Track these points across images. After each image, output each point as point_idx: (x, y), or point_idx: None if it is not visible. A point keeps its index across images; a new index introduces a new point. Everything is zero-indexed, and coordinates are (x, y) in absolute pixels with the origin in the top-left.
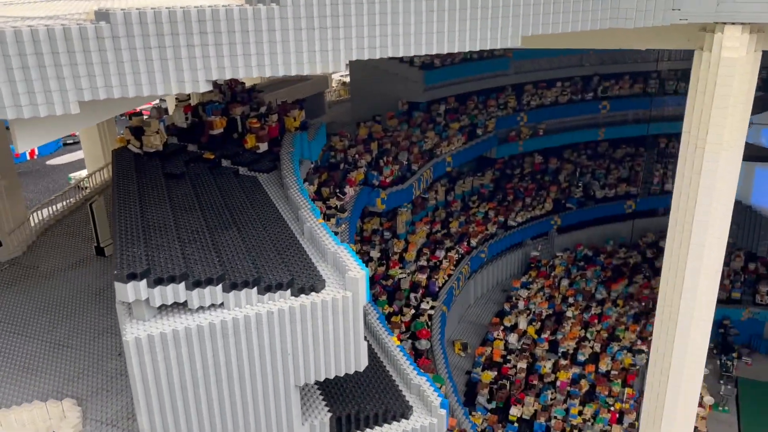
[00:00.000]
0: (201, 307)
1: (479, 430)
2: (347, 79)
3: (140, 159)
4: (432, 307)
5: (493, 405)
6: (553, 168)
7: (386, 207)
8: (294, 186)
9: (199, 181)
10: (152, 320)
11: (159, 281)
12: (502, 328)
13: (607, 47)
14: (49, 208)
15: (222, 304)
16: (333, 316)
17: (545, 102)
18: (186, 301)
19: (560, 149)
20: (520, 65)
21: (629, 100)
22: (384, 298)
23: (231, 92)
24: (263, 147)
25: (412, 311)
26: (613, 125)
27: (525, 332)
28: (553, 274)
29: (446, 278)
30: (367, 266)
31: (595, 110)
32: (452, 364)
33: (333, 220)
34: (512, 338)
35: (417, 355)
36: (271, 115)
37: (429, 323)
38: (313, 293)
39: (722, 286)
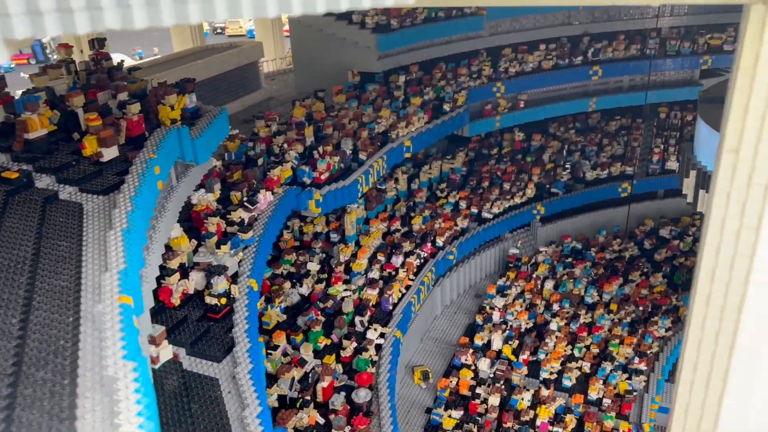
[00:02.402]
0: None
1: None
2: None
3: None
4: (382, 335)
5: None
6: (537, 146)
7: (323, 210)
8: (120, 224)
9: None
10: None
11: None
12: (471, 351)
13: (607, 2)
14: None
15: None
16: None
17: (526, 68)
18: None
19: (545, 123)
20: (497, 25)
21: (625, 64)
22: (319, 328)
23: (88, 74)
24: (109, 154)
25: (355, 344)
26: (606, 94)
27: (500, 353)
28: (535, 275)
29: (403, 292)
30: (302, 284)
31: (585, 77)
32: (410, 400)
33: (225, 248)
34: (483, 364)
35: (353, 411)
36: (129, 105)
37: (375, 360)
38: None
39: None
